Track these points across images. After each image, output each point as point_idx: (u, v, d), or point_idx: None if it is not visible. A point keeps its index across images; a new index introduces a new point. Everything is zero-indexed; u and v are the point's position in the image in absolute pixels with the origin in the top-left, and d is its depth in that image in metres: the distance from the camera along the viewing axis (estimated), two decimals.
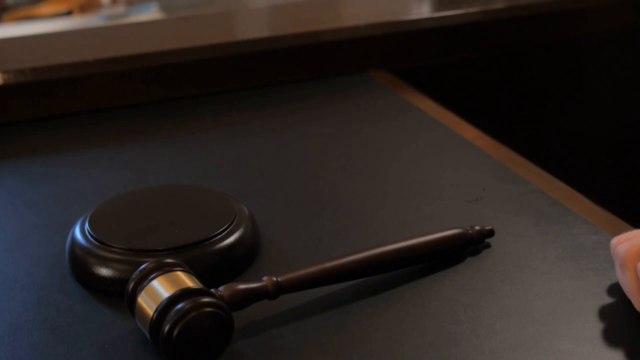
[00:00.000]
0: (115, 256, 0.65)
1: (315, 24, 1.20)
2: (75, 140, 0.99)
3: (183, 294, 0.57)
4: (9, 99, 1.03)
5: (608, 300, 0.63)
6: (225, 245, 0.67)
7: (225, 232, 0.68)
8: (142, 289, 0.59)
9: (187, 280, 0.59)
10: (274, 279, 0.61)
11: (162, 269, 0.59)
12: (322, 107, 1.07)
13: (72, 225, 0.71)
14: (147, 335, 0.57)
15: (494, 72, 1.29)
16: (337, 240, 0.73)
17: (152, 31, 1.29)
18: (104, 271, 0.65)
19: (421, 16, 1.22)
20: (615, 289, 0.65)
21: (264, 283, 0.61)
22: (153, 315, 0.56)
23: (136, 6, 3.00)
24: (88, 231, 0.68)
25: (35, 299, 0.65)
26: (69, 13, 3.15)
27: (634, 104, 1.39)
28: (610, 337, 0.59)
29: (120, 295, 0.64)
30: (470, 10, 1.23)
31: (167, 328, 0.55)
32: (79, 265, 0.67)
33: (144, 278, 0.59)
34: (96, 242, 0.67)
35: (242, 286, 0.60)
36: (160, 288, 0.58)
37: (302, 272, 0.63)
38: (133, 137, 0.99)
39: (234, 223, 0.69)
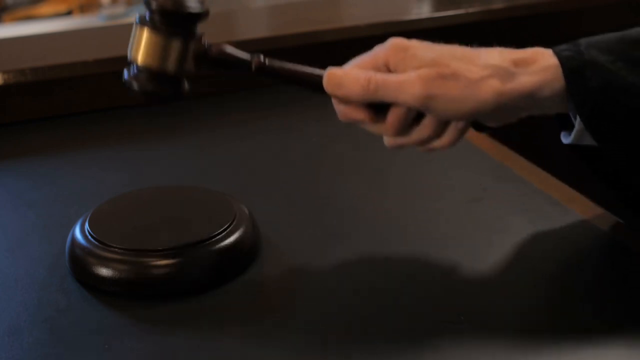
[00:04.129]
0: (115, 256, 0.65)
1: (315, 24, 1.20)
2: (75, 140, 0.99)
3: None
4: (9, 99, 1.03)
5: (608, 300, 0.63)
6: (225, 245, 0.67)
7: (225, 232, 0.68)
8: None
9: None
10: (261, 59, 0.66)
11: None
12: (322, 107, 1.07)
13: (72, 225, 0.71)
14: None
15: None
16: (337, 240, 0.73)
17: None
18: (104, 271, 0.65)
19: (421, 16, 1.22)
20: (616, 289, 0.65)
21: (250, 59, 0.66)
22: None
23: (136, 6, 3.00)
24: (88, 231, 0.68)
25: (35, 299, 0.65)
26: (68, 13, 3.15)
27: None
28: (611, 337, 0.59)
29: (120, 295, 0.64)
30: (470, 10, 1.23)
31: None
32: (79, 265, 0.67)
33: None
34: (96, 242, 0.67)
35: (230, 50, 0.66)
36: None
37: (288, 64, 0.66)
38: (133, 137, 0.99)
39: (234, 223, 0.69)
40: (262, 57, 0.66)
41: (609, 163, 0.70)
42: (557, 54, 0.63)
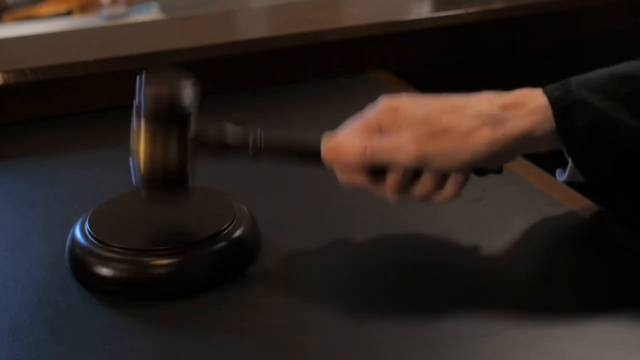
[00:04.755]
0: (115, 256, 0.65)
1: (315, 24, 1.20)
2: (75, 140, 0.99)
3: None
4: (9, 99, 1.03)
5: (609, 300, 0.63)
6: (225, 244, 0.67)
7: (225, 232, 0.68)
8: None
9: None
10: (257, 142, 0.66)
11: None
12: (322, 107, 1.07)
13: (72, 225, 0.71)
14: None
15: (494, 72, 1.29)
16: (337, 239, 0.73)
17: (151, 31, 1.29)
18: (104, 271, 0.65)
19: (421, 16, 1.22)
20: (616, 289, 0.65)
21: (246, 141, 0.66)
22: None
23: (136, 6, 2.99)
24: (88, 231, 0.68)
25: (35, 299, 0.65)
26: (69, 13, 3.15)
27: None
28: (611, 337, 0.59)
29: (120, 295, 0.64)
30: (470, 10, 1.23)
31: None
32: (79, 264, 0.67)
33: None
34: (96, 242, 0.67)
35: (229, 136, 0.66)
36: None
37: (284, 139, 0.67)
38: None
39: (234, 223, 0.69)
40: (258, 134, 0.66)
41: (606, 196, 0.72)
42: (547, 94, 0.64)
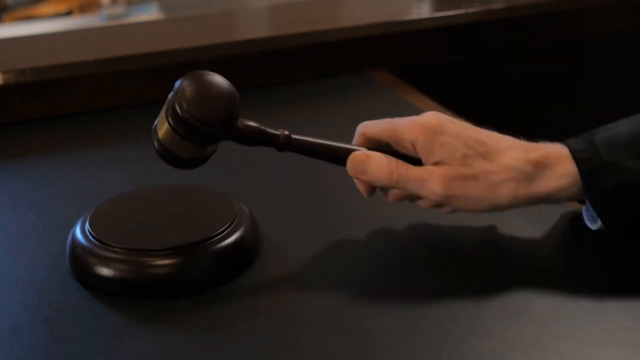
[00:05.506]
0: (116, 256, 0.65)
1: (315, 24, 1.20)
2: (75, 140, 0.99)
3: None
4: (9, 99, 1.03)
5: (609, 299, 0.63)
6: (225, 245, 0.67)
7: (225, 232, 0.68)
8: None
9: None
10: (286, 133, 0.68)
11: None
12: (322, 107, 1.07)
13: (72, 225, 0.71)
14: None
15: (494, 72, 1.29)
16: (338, 238, 0.73)
17: (151, 31, 1.30)
18: (105, 271, 0.65)
19: (421, 16, 1.22)
20: (616, 289, 0.65)
21: (277, 133, 0.67)
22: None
23: (136, 6, 3.00)
24: (89, 231, 0.68)
25: (35, 299, 0.65)
26: (69, 13, 3.16)
27: (633, 104, 1.39)
28: (611, 337, 0.59)
29: (120, 295, 0.64)
30: (470, 10, 1.23)
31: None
32: (80, 264, 0.67)
33: None
34: (97, 242, 0.67)
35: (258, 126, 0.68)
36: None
37: (313, 139, 0.69)
38: (133, 137, 0.99)
39: (234, 223, 0.69)
40: (286, 131, 0.68)
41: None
42: (574, 156, 0.65)
